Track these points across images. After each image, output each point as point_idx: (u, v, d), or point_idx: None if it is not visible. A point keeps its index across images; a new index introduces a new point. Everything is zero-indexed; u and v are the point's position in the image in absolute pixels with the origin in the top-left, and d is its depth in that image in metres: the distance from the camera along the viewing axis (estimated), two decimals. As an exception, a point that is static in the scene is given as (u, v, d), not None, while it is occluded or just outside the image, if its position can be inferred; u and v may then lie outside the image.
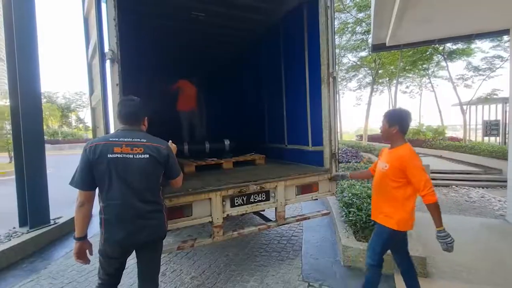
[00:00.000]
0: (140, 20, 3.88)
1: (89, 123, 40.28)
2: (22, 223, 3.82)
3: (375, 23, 4.16)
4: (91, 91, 2.75)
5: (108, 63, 2.01)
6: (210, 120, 7.02)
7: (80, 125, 38.10)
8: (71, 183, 1.50)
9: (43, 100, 24.78)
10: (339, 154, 7.97)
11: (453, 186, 6.72)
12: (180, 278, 2.78)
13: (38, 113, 3.89)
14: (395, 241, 1.99)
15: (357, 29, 12.12)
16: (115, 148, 1.52)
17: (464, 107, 13.07)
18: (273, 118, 4.34)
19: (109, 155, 1.50)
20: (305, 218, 3.04)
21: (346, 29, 12.31)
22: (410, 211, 1.89)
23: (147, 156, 1.57)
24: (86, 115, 37.47)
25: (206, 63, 6.16)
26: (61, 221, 4.10)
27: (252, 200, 2.61)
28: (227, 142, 4.18)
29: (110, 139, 1.56)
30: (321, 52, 3.08)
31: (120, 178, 1.51)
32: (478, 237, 3.62)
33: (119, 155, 1.51)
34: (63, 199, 6.13)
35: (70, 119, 36.79)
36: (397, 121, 1.95)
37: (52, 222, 4.00)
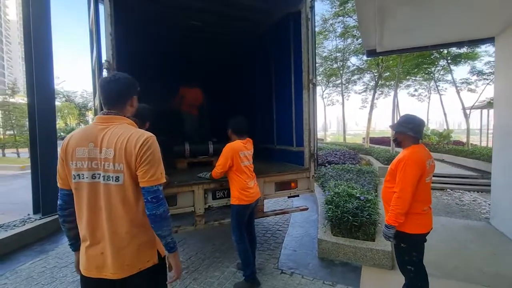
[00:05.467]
0: (138, 25, 4.19)
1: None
2: (36, 211, 4.26)
3: (362, 31, 4.37)
4: (95, 94, 3.12)
5: (105, 72, 2.35)
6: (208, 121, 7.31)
7: (96, 123, 39.30)
8: None
9: (62, 100, 25.82)
10: (332, 156, 8.21)
11: (448, 190, 6.77)
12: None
13: (51, 111, 4.32)
14: None
15: (357, 33, 12.23)
16: None
17: (468, 111, 12.89)
18: (264, 120, 4.61)
19: None
20: (283, 213, 3.31)
21: (348, 32, 12.44)
22: None
23: None
24: (103, 113, 38.54)
25: (201, 68, 6.41)
26: (69, 210, 4.51)
27: None
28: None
29: None
30: (303, 60, 3.35)
31: None
32: (455, 237, 3.77)
33: None
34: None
35: (87, 117, 38.18)
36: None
37: (61, 210, 4.41)
